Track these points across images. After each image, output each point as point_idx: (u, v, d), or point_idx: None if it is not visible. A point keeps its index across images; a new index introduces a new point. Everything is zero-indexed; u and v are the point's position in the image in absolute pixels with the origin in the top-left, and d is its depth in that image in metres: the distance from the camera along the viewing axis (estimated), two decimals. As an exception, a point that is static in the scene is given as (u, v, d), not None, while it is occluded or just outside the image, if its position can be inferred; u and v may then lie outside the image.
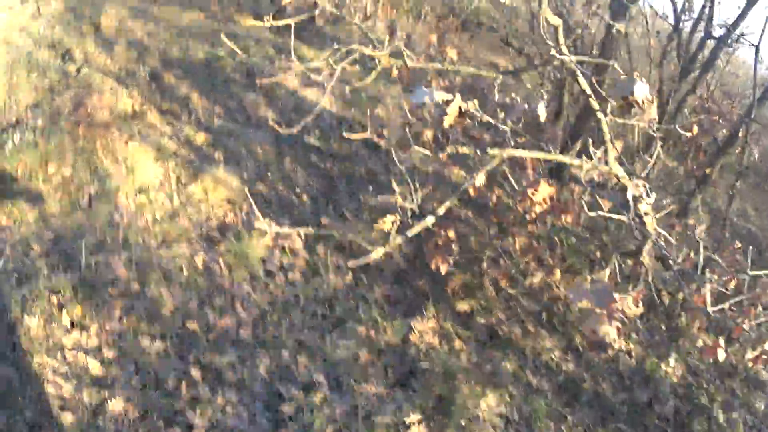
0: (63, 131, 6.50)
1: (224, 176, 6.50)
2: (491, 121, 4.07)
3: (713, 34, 7.12)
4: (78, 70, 7.56)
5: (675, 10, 7.47)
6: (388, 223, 4.17)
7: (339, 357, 5.10)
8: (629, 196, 4.07)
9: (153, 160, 6.59)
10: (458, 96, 4.12)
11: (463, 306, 5.75)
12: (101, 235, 5.62)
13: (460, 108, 4.11)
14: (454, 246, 5.50)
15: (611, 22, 5.78)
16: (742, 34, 6.85)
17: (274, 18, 10.88)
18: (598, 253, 6.47)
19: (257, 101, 8.14)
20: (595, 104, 3.97)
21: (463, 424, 4.79)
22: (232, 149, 7.13)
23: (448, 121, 4.04)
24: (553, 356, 5.44)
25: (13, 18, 8.30)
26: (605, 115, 3.92)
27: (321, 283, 5.72)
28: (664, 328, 5.89)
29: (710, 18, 7.17)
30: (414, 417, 4.72)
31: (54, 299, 5.07)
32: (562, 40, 3.82)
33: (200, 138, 7.18)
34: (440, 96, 4.16)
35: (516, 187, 5.65)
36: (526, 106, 4.53)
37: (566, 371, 5.37)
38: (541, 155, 4.19)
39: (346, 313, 5.51)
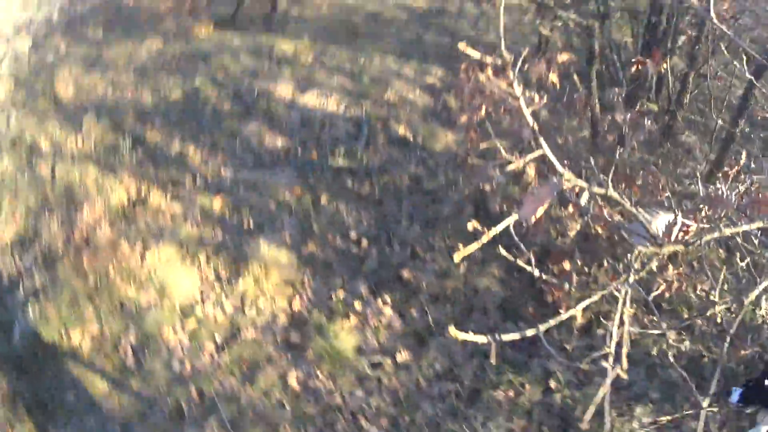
0: (68, 280, 4.79)
1: (267, 252, 4.97)
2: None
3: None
4: (52, 171, 5.77)
5: None
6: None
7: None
8: None
9: (180, 260, 5.00)
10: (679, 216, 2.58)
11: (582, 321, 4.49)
12: (173, 402, 4.08)
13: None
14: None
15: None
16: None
17: (231, 19, 9.05)
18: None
19: (260, 130, 6.39)
20: None
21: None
22: (258, 207, 5.53)
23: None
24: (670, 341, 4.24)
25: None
26: None
27: (434, 354, 4.31)
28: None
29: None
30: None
31: None
32: None
33: (217, 204, 5.55)
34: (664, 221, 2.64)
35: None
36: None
37: (686, 352, 4.32)
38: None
39: (475, 380, 4.23)
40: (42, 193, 5.58)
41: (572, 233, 4.91)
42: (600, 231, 4.67)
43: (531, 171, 4.47)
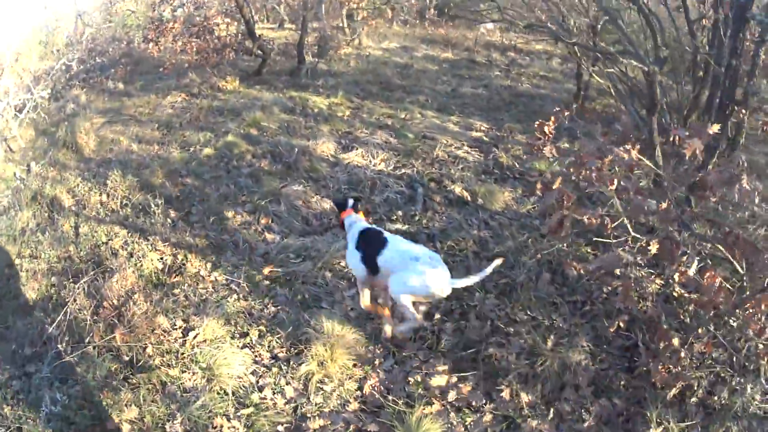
0: (99, 357, 4.12)
1: (329, 328, 4.32)
2: None
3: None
4: (76, 229, 5.22)
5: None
6: None
7: None
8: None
9: (228, 338, 4.36)
10: None
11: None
12: None
13: None
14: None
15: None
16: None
17: (257, 73, 8.72)
18: None
19: (305, 191, 5.89)
20: None
21: None
22: (312, 276, 4.90)
23: None
24: None
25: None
26: None
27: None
28: None
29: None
30: None
31: None
32: None
33: (265, 272, 4.95)
34: None
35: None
36: None
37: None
38: None
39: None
40: (65, 253, 5.00)
41: (651, 296, 4.41)
42: (697, 297, 4.14)
43: (653, 247, 3.93)
